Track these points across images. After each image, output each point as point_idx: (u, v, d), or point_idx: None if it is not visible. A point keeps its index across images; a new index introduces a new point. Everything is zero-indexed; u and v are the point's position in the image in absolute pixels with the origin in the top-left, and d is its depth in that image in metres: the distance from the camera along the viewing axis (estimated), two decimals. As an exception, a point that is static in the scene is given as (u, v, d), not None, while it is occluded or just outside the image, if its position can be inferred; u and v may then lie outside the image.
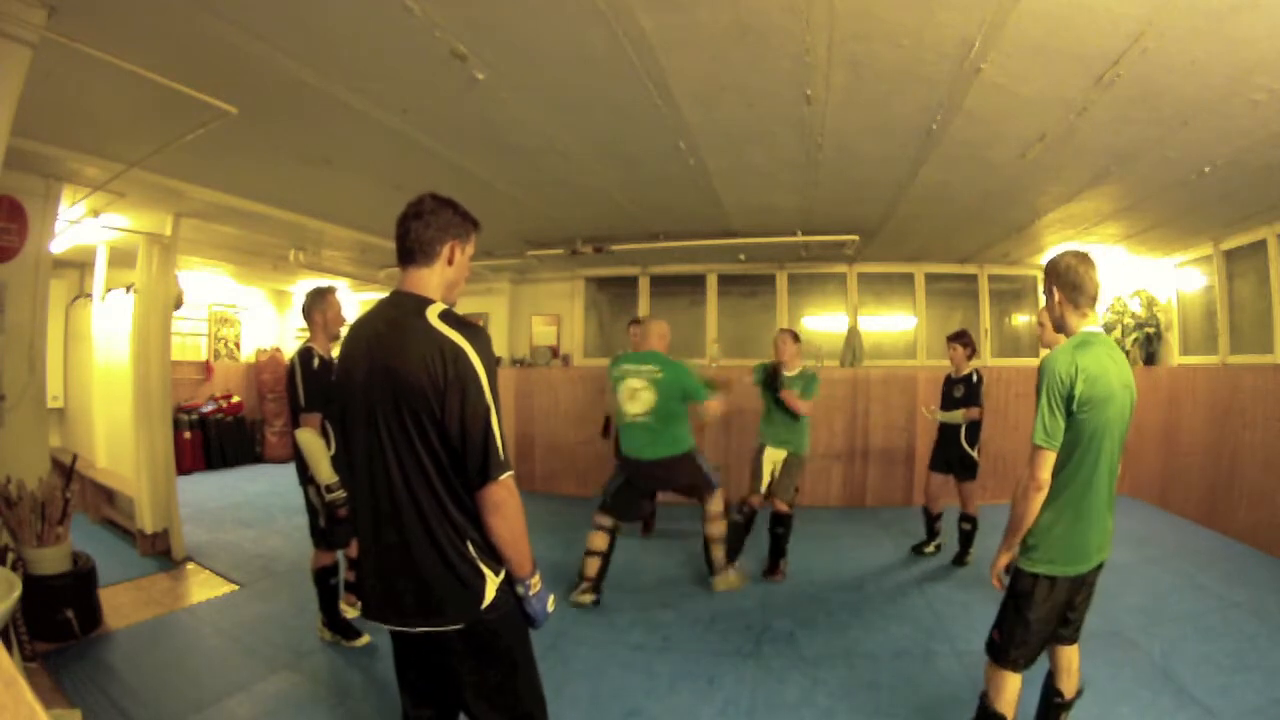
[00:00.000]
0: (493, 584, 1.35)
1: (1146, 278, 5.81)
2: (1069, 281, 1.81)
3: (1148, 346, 5.77)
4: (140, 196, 3.87)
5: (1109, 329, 6.02)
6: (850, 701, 2.47)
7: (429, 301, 1.37)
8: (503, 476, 1.30)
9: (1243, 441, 4.46)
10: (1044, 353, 1.92)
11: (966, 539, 4.09)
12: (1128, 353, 5.83)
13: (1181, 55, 2.17)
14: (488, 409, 1.29)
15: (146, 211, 4.19)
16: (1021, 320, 6.49)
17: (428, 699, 1.49)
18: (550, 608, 1.46)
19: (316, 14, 2.05)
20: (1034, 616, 1.80)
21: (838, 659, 2.82)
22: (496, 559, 1.37)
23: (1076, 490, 1.77)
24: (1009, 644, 1.83)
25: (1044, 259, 5.59)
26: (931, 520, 4.31)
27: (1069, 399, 1.71)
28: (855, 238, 4.94)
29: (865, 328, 6.22)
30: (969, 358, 4.15)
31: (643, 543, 4.54)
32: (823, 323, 6.38)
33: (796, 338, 4.02)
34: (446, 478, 1.31)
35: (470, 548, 1.33)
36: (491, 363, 1.33)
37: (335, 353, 2.94)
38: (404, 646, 1.48)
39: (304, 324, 2.94)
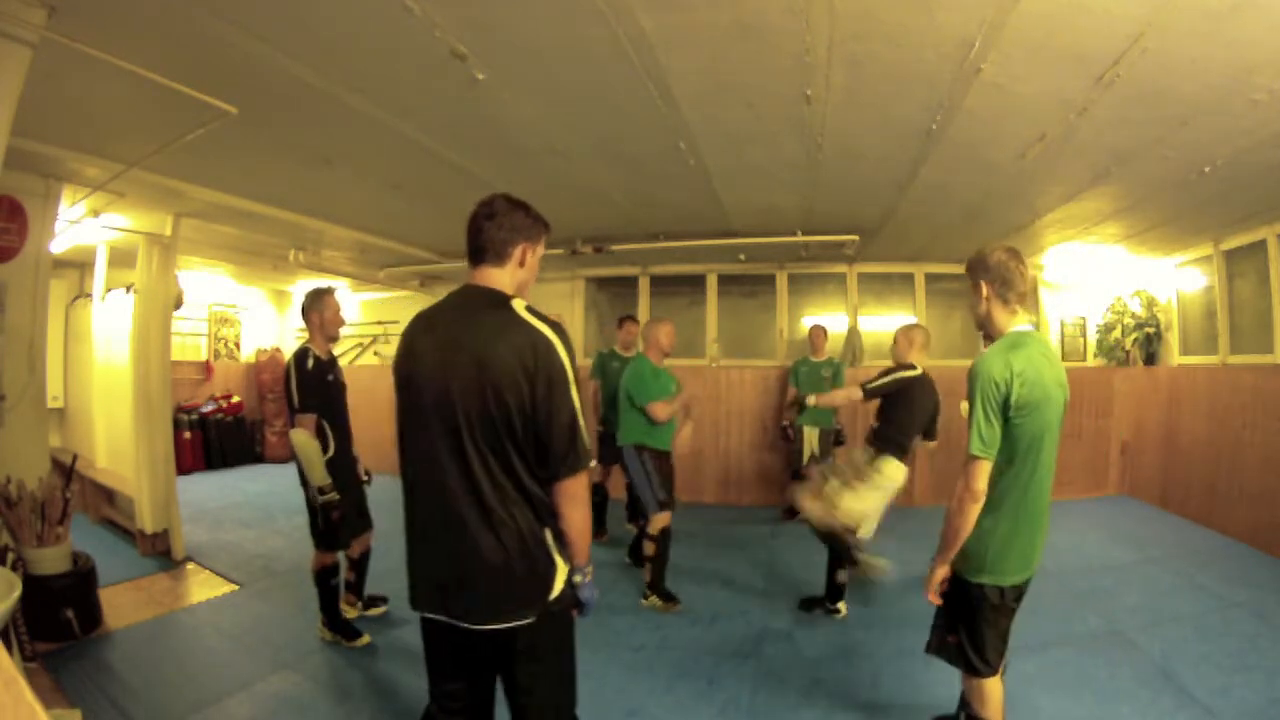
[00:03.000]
0: (562, 574, 1.39)
1: (1146, 278, 5.80)
2: (1000, 277, 1.72)
3: (1148, 346, 5.76)
4: (140, 196, 3.87)
5: (1109, 329, 6.01)
6: (850, 701, 2.48)
7: (509, 295, 1.40)
8: (584, 469, 1.36)
9: (1243, 441, 4.45)
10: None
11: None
12: (1127, 353, 5.83)
13: (1181, 55, 2.17)
14: (574, 401, 1.34)
15: (146, 211, 4.19)
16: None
17: (458, 680, 1.46)
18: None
19: (316, 14, 2.05)
20: (999, 624, 1.77)
21: (838, 659, 2.83)
22: (565, 550, 1.40)
23: (1017, 497, 1.71)
24: (986, 656, 1.79)
25: (1044, 259, 5.59)
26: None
27: (1005, 405, 1.63)
28: (855, 238, 4.94)
29: (865, 328, 6.21)
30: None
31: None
32: (823, 323, 6.37)
33: (826, 333, 5.47)
34: (530, 467, 1.34)
35: (549, 536, 1.37)
36: (573, 358, 1.38)
37: (334, 353, 2.97)
38: (440, 633, 1.43)
39: (303, 324, 2.94)
